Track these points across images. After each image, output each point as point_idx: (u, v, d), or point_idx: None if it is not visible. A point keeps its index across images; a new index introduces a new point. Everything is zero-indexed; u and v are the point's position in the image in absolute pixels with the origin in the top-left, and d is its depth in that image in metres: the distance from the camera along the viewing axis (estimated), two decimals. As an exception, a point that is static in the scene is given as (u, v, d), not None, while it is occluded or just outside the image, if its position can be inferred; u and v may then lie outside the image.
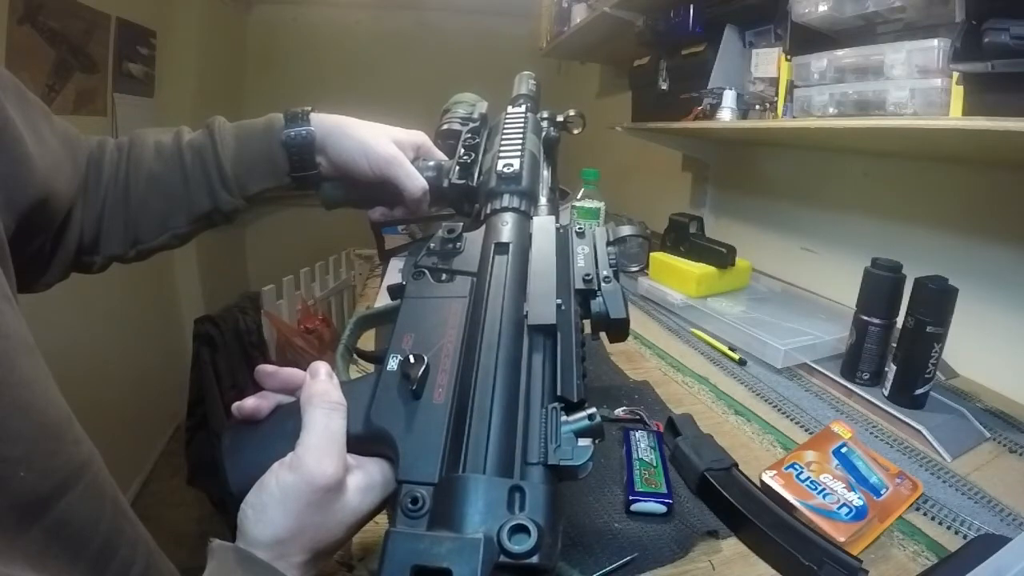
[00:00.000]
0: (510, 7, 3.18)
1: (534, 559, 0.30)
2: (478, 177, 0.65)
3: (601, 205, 1.54)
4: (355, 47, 3.38)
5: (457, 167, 0.67)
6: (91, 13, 2.17)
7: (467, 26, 3.36)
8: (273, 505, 0.37)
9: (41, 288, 0.59)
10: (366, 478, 0.41)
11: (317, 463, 0.38)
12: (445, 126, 0.75)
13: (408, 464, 0.38)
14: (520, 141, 0.64)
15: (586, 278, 0.50)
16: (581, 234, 0.55)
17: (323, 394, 0.41)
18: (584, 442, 0.37)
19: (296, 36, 3.38)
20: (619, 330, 0.50)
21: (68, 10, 2.06)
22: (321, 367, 0.44)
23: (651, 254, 1.41)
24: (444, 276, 0.50)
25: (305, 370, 0.45)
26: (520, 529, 0.31)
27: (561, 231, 0.54)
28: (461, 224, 0.53)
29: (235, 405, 0.45)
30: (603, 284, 0.50)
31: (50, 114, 0.55)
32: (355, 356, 0.56)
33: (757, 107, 1.26)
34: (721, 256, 1.29)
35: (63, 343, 1.89)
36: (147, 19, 2.51)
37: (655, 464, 0.69)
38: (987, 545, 0.54)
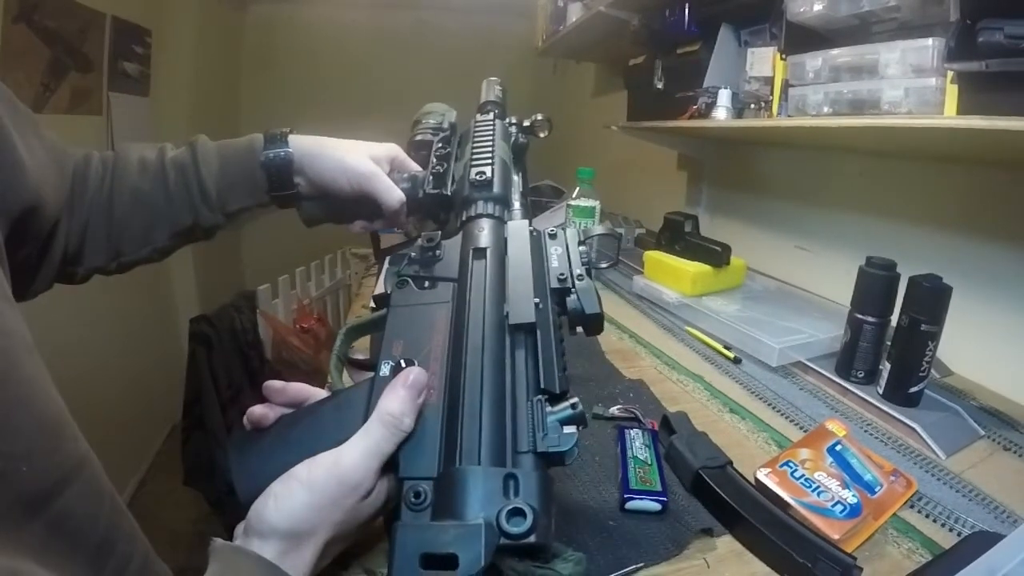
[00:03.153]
0: (507, 6, 3.18)
1: (532, 538, 0.33)
2: (451, 185, 0.67)
3: (596, 204, 1.54)
4: (352, 46, 3.37)
5: (431, 177, 0.69)
6: (86, 12, 2.16)
7: (464, 25, 3.35)
8: (300, 495, 0.39)
9: (27, 298, 0.59)
10: (384, 488, 0.43)
11: (354, 467, 0.39)
12: (418, 137, 0.78)
13: (408, 461, 0.40)
14: (490, 148, 0.66)
15: (560, 277, 0.52)
16: (553, 236, 0.57)
17: (396, 416, 0.41)
18: (569, 429, 0.40)
19: (292, 35, 3.37)
20: (594, 324, 0.52)
21: (63, 9, 2.05)
22: (414, 378, 0.43)
23: (646, 252, 1.41)
24: (427, 283, 0.52)
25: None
26: (517, 512, 0.33)
27: (535, 234, 0.57)
28: (439, 232, 0.56)
29: (247, 413, 0.47)
30: (576, 282, 0.52)
31: (38, 124, 0.56)
32: (348, 364, 0.58)
33: (752, 106, 1.26)
34: (716, 255, 1.29)
35: (58, 343, 1.88)
36: (142, 18, 2.50)
37: (650, 462, 0.69)
38: (981, 542, 0.55)
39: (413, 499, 0.36)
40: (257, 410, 0.47)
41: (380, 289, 0.53)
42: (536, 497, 0.35)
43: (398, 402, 0.42)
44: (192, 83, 2.84)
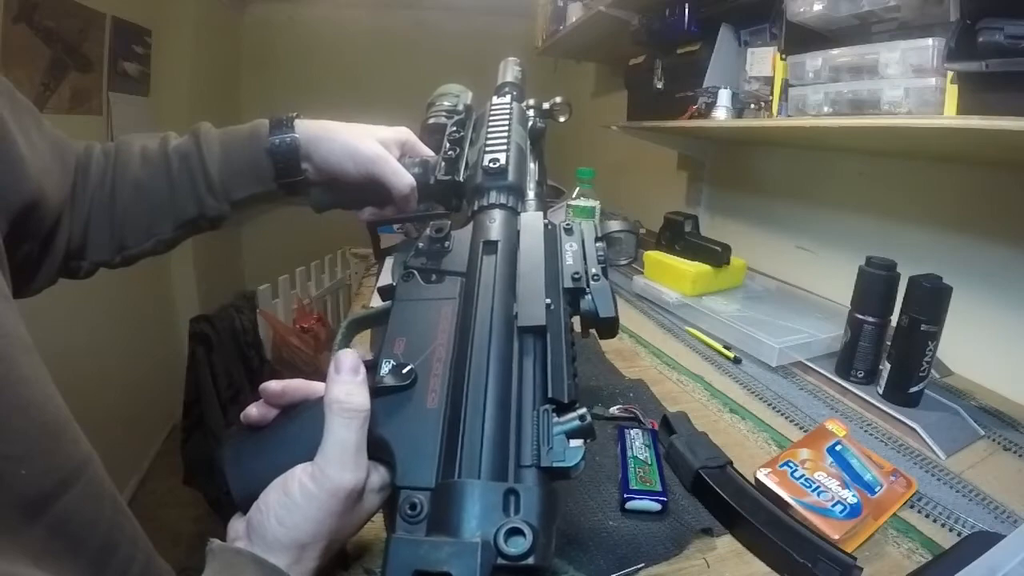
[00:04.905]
0: (507, 6, 3.18)
1: (530, 560, 0.31)
2: (464, 172, 0.64)
3: (596, 204, 1.54)
4: (351, 46, 3.37)
5: (443, 163, 0.66)
6: (86, 12, 2.16)
7: (464, 25, 3.35)
8: (297, 512, 0.38)
9: (30, 294, 0.59)
10: (379, 479, 0.41)
11: (339, 476, 0.38)
12: (431, 120, 0.75)
13: (405, 470, 0.38)
14: (506, 133, 0.63)
15: (575, 277, 0.50)
16: (569, 231, 0.54)
17: (343, 401, 0.40)
18: (576, 443, 0.37)
19: (292, 35, 3.37)
20: (608, 328, 0.49)
21: (63, 9, 2.05)
22: (347, 362, 0.42)
23: (646, 253, 1.41)
24: (433, 277, 0.49)
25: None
26: (516, 532, 0.31)
27: (549, 227, 0.54)
28: (449, 223, 0.53)
29: (242, 414, 0.46)
30: (592, 282, 0.50)
31: (40, 118, 0.55)
32: None
33: (752, 106, 1.26)
34: (716, 255, 1.29)
35: (59, 343, 1.88)
36: (142, 18, 2.50)
37: (650, 462, 0.69)
38: (981, 542, 0.55)
39: (409, 511, 0.35)
40: (253, 412, 0.46)
41: (386, 280, 0.51)
42: (537, 515, 0.33)
43: (338, 386, 0.41)
44: (192, 83, 2.84)
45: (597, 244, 0.53)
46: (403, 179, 0.66)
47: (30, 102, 0.54)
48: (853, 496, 0.64)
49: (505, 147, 0.60)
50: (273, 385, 0.46)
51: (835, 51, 0.95)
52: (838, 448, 0.71)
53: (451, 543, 0.32)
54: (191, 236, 0.69)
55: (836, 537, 0.59)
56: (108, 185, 0.63)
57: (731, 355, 1.05)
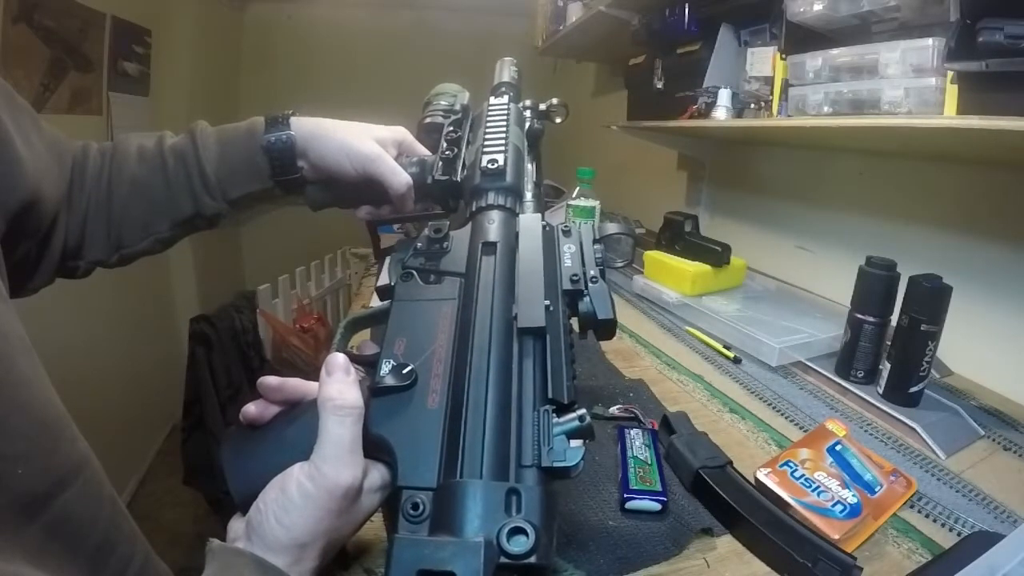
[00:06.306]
0: (507, 6, 3.18)
1: (532, 559, 0.31)
2: (461, 172, 0.64)
3: (596, 204, 1.54)
4: (351, 45, 3.37)
5: (440, 163, 0.66)
6: (86, 12, 2.16)
7: (464, 25, 3.35)
8: (295, 511, 0.38)
9: (27, 293, 0.59)
10: (379, 478, 0.42)
11: (335, 473, 0.38)
12: (428, 119, 0.74)
13: (407, 470, 0.38)
14: (504, 134, 0.63)
15: (573, 279, 0.50)
16: (567, 232, 0.54)
17: (335, 398, 0.40)
18: (575, 443, 0.38)
19: (291, 34, 3.37)
20: (606, 330, 0.50)
21: (63, 9, 2.05)
22: (337, 363, 0.43)
23: (646, 252, 1.41)
24: (432, 277, 0.49)
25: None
26: (518, 531, 0.32)
27: (547, 229, 0.54)
28: (447, 223, 0.53)
29: (241, 412, 0.46)
30: (590, 284, 0.50)
31: (38, 118, 0.55)
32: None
33: (752, 106, 1.26)
34: (716, 254, 1.29)
35: (58, 343, 1.88)
36: (142, 18, 2.50)
37: (650, 462, 0.69)
38: (981, 542, 0.55)
39: (411, 511, 0.35)
40: (252, 409, 0.46)
41: (384, 279, 0.51)
42: (538, 514, 0.33)
43: (330, 385, 0.41)
44: (192, 82, 2.84)
45: (595, 246, 0.53)
46: (400, 178, 0.66)
47: (28, 104, 0.54)
48: (853, 496, 0.64)
49: (503, 148, 0.60)
50: (270, 380, 0.47)
51: (835, 51, 0.95)
52: (838, 448, 0.71)
53: (454, 543, 0.32)
54: (188, 235, 0.69)
55: (836, 537, 0.59)
56: (105, 184, 0.63)
57: (731, 355, 1.05)
